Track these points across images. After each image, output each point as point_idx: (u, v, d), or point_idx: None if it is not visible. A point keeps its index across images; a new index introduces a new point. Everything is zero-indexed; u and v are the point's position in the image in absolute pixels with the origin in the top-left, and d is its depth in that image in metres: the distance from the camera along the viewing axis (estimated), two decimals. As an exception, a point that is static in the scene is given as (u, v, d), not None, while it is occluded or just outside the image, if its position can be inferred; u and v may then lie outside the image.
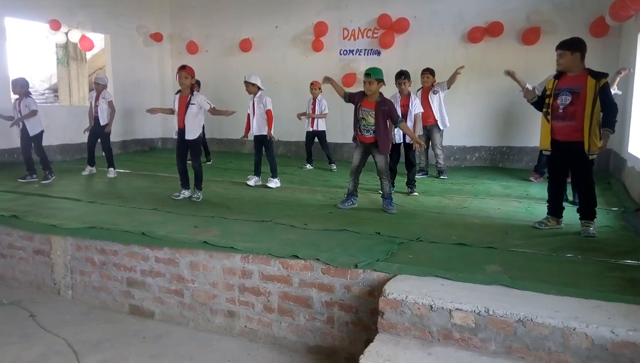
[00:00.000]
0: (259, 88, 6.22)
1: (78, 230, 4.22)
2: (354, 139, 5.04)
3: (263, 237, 3.86)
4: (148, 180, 6.77)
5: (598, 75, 3.90)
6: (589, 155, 3.91)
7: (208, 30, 10.46)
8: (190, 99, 5.32)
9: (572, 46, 3.96)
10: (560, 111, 3.98)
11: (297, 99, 8.60)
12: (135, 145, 10.43)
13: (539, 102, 4.24)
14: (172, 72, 10.30)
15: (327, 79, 5.16)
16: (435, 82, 7.00)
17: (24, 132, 6.41)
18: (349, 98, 5.00)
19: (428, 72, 6.94)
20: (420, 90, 7.00)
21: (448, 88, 7.00)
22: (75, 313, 4.09)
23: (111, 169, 7.09)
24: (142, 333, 3.75)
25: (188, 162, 5.56)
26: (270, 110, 6.20)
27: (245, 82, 6.24)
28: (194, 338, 3.67)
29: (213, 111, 5.44)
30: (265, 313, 3.57)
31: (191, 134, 5.39)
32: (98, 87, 7.14)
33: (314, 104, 7.93)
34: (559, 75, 4.09)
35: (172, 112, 5.56)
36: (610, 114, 3.89)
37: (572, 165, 4.14)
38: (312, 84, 7.84)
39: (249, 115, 6.40)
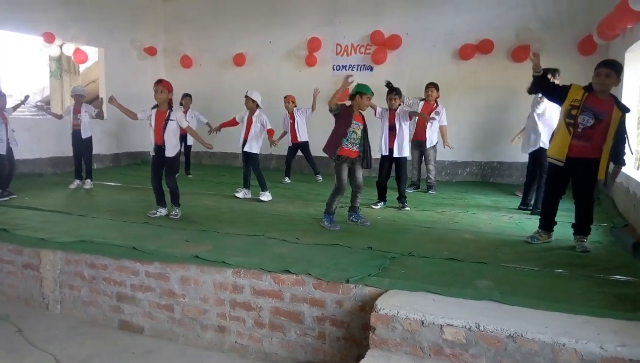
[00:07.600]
0: (257, 106, 6.28)
1: (68, 244, 4.19)
2: (336, 155, 4.91)
3: (255, 252, 3.86)
4: (139, 194, 6.72)
5: (624, 109, 3.82)
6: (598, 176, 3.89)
7: (202, 44, 10.53)
8: (169, 114, 5.07)
9: (619, 71, 3.82)
10: (579, 130, 3.86)
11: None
12: (127, 159, 10.39)
13: (541, 82, 4.05)
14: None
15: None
16: (439, 97, 7.04)
17: None
18: (340, 109, 4.91)
19: (433, 86, 6.91)
20: (422, 102, 7.03)
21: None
22: (63, 328, 4.04)
23: (88, 180, 7.27)
24: (132, 348, 3.71)
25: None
26: (271, 128, 6.36)
27: (246, 97, 6.30)
28: (184, 354, 3.64)
29: (190, 131, 5.37)
30: (256, 328, 3.55)
31: (171, 151, 5.12)
32: (79, 99, 7.14)
33: (292, 118, 7.84)
34: (589, 89, 3.89)
35: (133, 115, 5.26)
36: (622, 147, 3.88)
37: (577, 181, 4.07)
38: (285, 98, 7.82)
39: (234, 119, 6.55)
